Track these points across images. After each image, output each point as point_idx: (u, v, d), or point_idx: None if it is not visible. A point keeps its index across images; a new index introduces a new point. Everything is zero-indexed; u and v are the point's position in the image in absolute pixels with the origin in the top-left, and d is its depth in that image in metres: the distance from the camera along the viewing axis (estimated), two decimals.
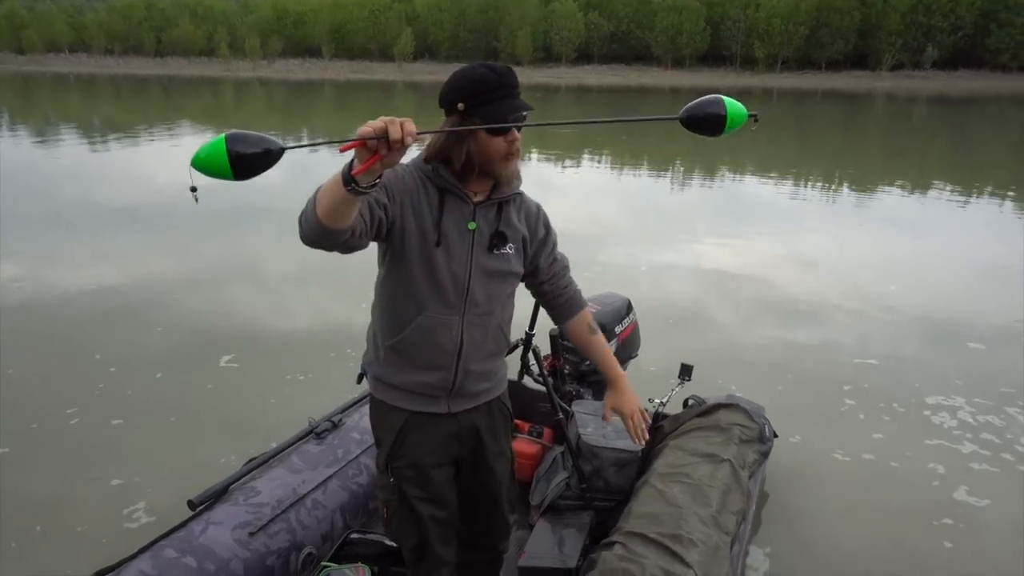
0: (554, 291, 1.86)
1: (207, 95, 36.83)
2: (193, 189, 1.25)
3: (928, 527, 2.89)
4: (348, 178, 1.28)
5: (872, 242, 7.79)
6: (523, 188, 1.77)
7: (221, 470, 2.33)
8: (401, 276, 1.66)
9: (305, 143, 1.48)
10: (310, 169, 12.32)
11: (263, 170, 1.22)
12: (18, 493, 3.05)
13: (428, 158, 1.63)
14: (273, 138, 1.21)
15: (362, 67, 65.57)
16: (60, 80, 48.96)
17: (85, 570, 1.88)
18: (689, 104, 1.40)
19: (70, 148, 15.41)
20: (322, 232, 1.38)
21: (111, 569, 1.85)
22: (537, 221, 1.78)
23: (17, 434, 3.52)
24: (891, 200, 10.35)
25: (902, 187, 11.32)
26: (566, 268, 1.88)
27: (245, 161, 1.19)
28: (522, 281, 1.83)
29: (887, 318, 5.27)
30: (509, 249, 1.70)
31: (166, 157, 14.02)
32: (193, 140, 17.03)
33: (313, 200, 1.39)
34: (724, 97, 1.39)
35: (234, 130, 1.21)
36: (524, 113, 1.56)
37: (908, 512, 2.98)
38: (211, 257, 6.83)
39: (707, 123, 1.40)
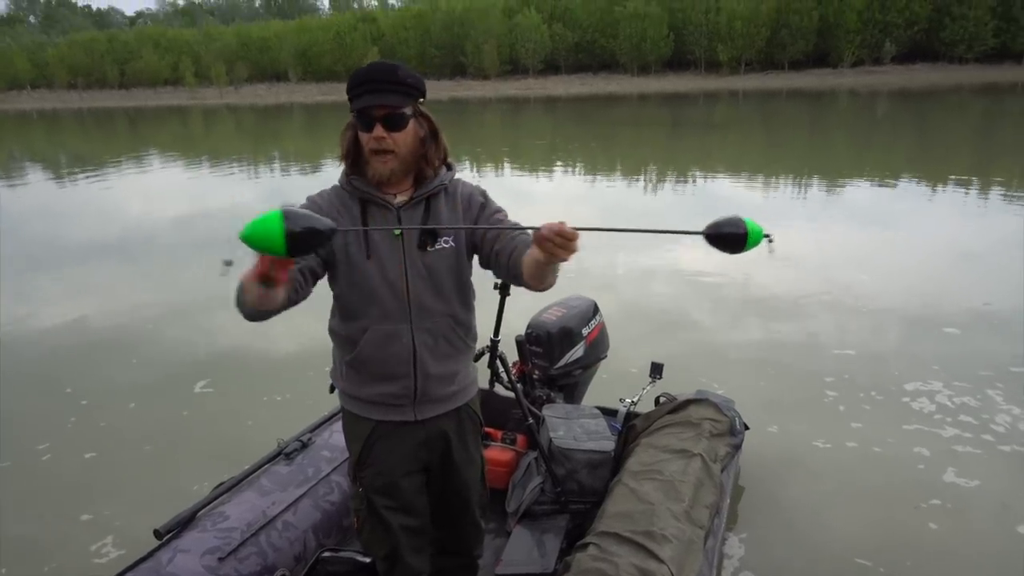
0: (506, 240, 1.67)
1: (175, 124, 36.53)
2: (228, 263, 1.23)
3: (911, 510, 2.91)
4: (269, 280, 1.35)
5: (843, 235, 7.88)
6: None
7: (196, 497, 2.28)
8: (343, 296, 1.67)
9: (358, 227, 1.46)
10: (284, 192, 12.29)
11: (315, 249, 1.25)
12: None
13: (342, 163, 1.67)
14: (323, 218, 1.21)
15: (330, 88, 65.27)
16: (23, 117, 48.28)
17: None
18: (713, 221, 1.40)
19: (37, 185, 15.19)
20: (262, 316, 1.51)
21: None
22: (471, 198, 1.73)
23: None
24: (859, 193, 10.48)
25: (869, 180, 11.49)
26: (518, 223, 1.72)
27: (301, 239, 1.16)
28: (480, 261, 1.75)
29: (862, 309, 5.33)
30: (445, 243, 1.67)
31: (135, 189, 13.88)
32: (162, 170, 16.88)
33: (240, 293, 1.45)
34: (746, 218, 1.40)
35: (288, 207, 1.19)
36: (380, 105, 1.54)
37: (891, 496, 3.01)
38: (183, 286, 6.74)
39: (729, 241, 1.39)
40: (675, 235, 1.43)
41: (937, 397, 3.85)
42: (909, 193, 10.40)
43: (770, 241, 1.41)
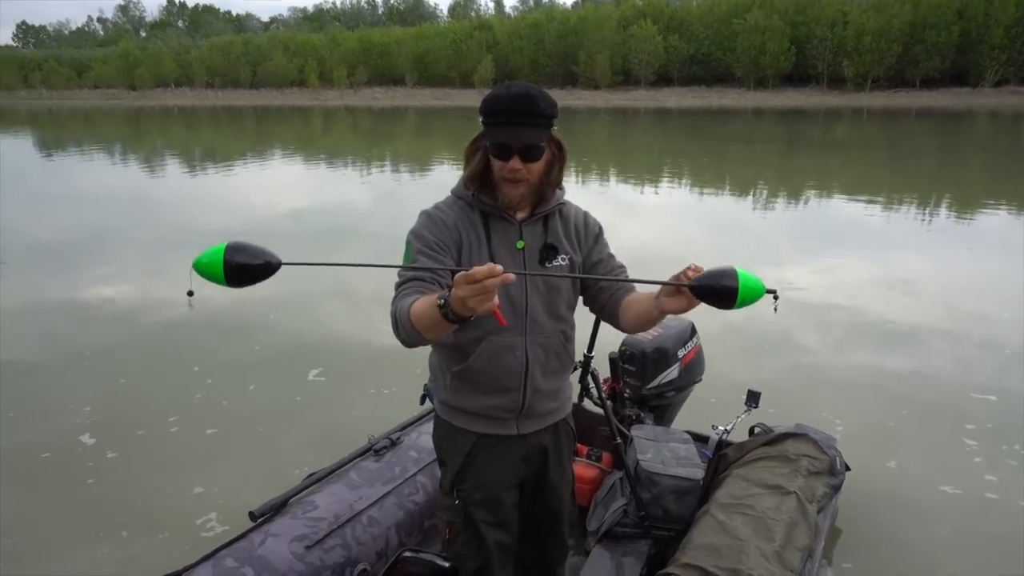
0: (613, 288, 1.74)
1: (297, 123, 38.57)
2: (190, 294, 1.29)
3: None
4: (454, 318, 1.29)
5: (978, 268, 7.28)
6: (593, 206, 1.78)
7: (296, 481, 2.38)
8: None
9: (307, 262, 1.37)
10: (394, 193, 12.73)
11: (258, 280, 1.25)
12: (115, 497, 3.25)
13: (468, 183, 1.66)
14: (273, 252, 1.25)
15: (443, 94, 67.22)
16: (166, 112, 52.39)
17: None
18: (704, 272, 1.35)
19: (174, 175, 16.43)
20: (425, 342, 1.51)
21: (174, 575, 1.93)
22: (585, 225, 1.78)
23: (124, 440, 3.78)
24: (997, 224, 9.66)
25: (1008, 209, 10.58)
26: (623, 268, 1.80)
27: (241, 271, 1.23)
28: (580, 294, 1.79)
29: (997, 347, 4.91)
30: (562, 260, 1.70)
31: (258, 182, 14.77)
32: (283, 166, 17.87)
33: (412, 326, 1.42)
34: (739, 269, 1.33)
35: (237, 239, 1.24)
36: (519, 143, 1.53)
37: (1011, 549, 2.75)
38: (306, 276, 7.08)
39: (717, 295, 1.34)
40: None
41: None
42: None
43: (775, 298, 1.33)
